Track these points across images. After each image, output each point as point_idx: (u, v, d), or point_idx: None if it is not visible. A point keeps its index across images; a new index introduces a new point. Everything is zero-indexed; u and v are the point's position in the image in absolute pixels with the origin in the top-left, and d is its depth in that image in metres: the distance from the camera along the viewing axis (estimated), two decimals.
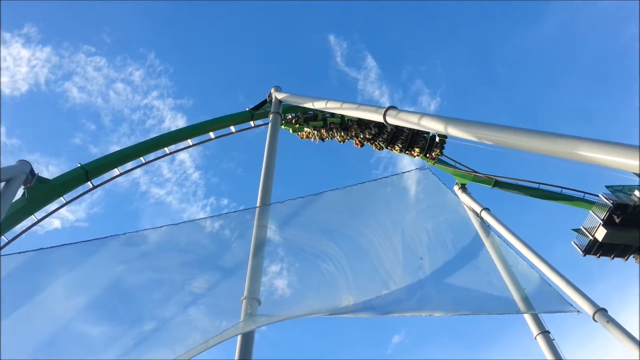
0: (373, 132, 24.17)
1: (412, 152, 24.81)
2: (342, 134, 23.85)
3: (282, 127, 20.92)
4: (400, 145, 24.49)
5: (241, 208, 10.58)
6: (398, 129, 23.75)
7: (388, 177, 11.75)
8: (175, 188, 66.65)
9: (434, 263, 9.97)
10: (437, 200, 11.89)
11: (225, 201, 67.07)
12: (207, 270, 9.62)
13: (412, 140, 24.47)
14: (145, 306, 9.05)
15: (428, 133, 24.31)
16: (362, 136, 24.21)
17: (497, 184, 25.09)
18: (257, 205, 12.55)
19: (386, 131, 23.95)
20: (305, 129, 23.35)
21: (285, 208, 10.32)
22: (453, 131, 9.72)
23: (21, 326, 8.57)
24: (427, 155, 24.83)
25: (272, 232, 10.59)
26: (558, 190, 25.50)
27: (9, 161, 13.42)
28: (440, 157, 25.20)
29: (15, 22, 58.46)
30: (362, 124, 23.83)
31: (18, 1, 55.79)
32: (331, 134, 23.77)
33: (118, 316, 9.00)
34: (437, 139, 24.74)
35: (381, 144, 24.57)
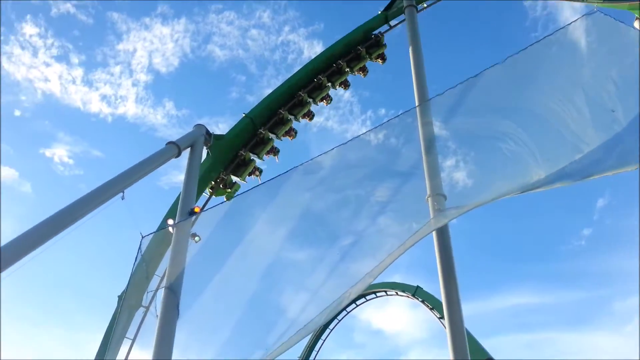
0: None
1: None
2: None
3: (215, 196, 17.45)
4: None
5: (400, 112, 10.33)
6: None
7: (551, 34, 10.42)
8: (332, 112, 68.43)
9: (629, 112, 8.71)
10: (618, 42, 10.24)
11: (382, 111, 67.08)
12: (385, 179, 9.80)
13: None
14: (339, 224, 9.63)
15: None
16: None
17: None
18: (416, 105, 12.22)
19: None
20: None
21: (446, 99, 9.80)
22: None
23: (242, 263, 9.81)
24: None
25: (437, 127, 10.30)
26: None
27: (185, 130, 14.95)
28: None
29: (150, 5, 63.32)
30: None
31: None
32: None
33: (318, 238, 9.77)
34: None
35: None
